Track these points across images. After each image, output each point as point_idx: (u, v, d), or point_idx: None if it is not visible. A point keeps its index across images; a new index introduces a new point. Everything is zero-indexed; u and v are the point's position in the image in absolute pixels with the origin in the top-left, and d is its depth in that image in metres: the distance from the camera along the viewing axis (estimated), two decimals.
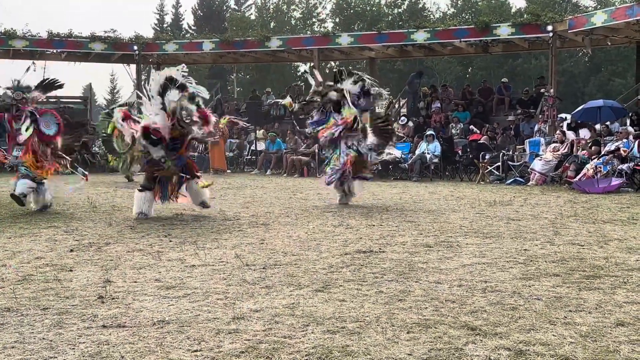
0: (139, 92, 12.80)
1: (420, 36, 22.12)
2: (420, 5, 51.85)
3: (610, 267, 5.84)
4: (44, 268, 5.86)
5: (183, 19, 58.40)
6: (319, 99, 11.10)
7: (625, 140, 14.79)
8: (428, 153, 17.64)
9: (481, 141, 18.43)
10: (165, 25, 56.85)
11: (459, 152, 18.50)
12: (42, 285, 5.17)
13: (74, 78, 44.08)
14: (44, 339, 3.87)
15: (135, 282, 5.29)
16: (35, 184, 10.11)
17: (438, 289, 5.02)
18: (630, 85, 30.27)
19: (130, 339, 3.86)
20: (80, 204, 11.15)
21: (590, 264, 5.98)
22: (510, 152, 17.31)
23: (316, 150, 19.28)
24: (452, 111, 21.91)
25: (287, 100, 12.73)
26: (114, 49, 25.25)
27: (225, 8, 57.98)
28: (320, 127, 11.08)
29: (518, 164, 16.65)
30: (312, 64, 10.98)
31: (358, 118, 10.71)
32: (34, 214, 9.90)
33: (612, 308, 4.48)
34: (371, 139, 10.88)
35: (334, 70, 11.54)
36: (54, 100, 29.28)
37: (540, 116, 19.52)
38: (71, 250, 6.74)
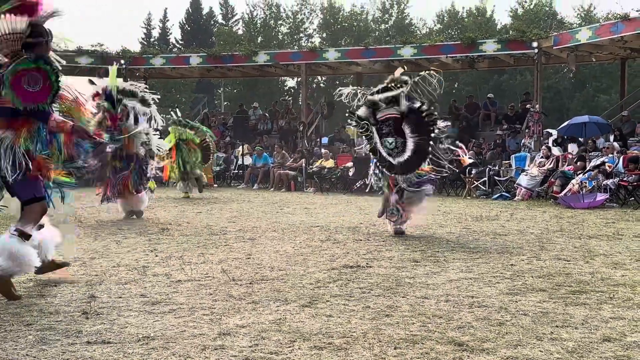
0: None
1: (407, 52, 22.26)
2: (407, 21, 52.28)
3: (596, 282, 5.86)
4: (28, 283, 5.79)
5: (170, 33, 58.46)
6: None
7: (610, 155, 14.92)
8: None
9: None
10: (152, 40, 56.83)
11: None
12: (25, 301, 5.11)
13: None
14: (27, 355, 3.81)
15: (120, 297, 5.24)
16: None
17: (425, 304, 5.01)
18: (614, 101, 30.59)
19: (115, 355, 3.81)
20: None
21: (577, 279, 6.00)
22: (497, 167, 17.40)
23: (303, 165, 19.32)
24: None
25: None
26: (101, 63, 25.17)
27: (212, 23, 58.11)
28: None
29: (504, 179, 16.73)
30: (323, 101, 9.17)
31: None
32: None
33: (598, 323, 4.49)
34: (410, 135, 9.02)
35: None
36: None
37: (526, 131, 19.67)
38: None
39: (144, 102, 11.39)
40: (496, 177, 16.76)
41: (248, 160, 21.54)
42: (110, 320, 4.55)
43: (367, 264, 6.79)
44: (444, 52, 22.11)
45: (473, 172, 17.09)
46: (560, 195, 14.12)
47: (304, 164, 19.45)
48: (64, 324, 4.45)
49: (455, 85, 47.52)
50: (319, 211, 12.61)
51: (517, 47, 20.90)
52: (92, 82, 11.21)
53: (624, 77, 23.32)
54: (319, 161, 20.28)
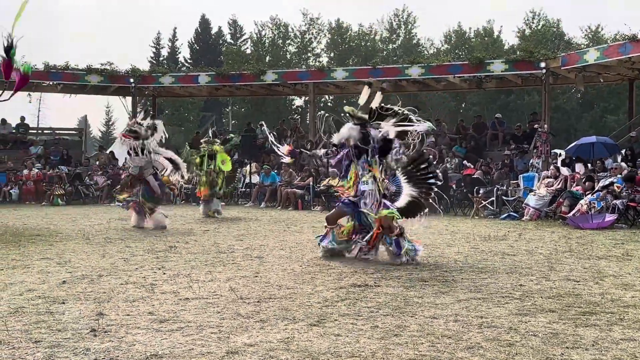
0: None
1: (415, 71, 22.37)
2: (415, 41, 52.48)
3: (606, 303, 5.82)
4: (36, 300, 5.79)
5: (179, 52, 58.90)
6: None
7: (619, 176, 14.86)
8: None
9: (475, 176, 18.50)
10: (161, 59, 57.28)
11: (453, 186, 18.53)
12: (34, 318, 5.11)
13: (69, 110, 44.26)
14: None
15: (129, 315, 5.24)
16: None
17: (434, 324, 4.98)
18: (622, 122, 30.57)
19: None
20: (73, 236, 11.08)
21: (586, 300, 5.96)
22: (504, 187, 17.37)
23: (310, 184, 19.31)
24: (447, 145, 22.04)
25: (285, 149, 10.36)
26: (110, 81, 25.36)
27: (221, 42, 58.50)
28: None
29: (512, 199, 16.69)
30: (322, 113, 8.74)
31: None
32: (27, 245, 9.82)
33: (608, 345, 4.45)
34: (408, 191, 8.72)
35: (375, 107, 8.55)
36: (49, 131, 29.40)
37: (534, 151, 19.64)
38: (63, 282, 6.68)
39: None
40: (504, 197, 16.71)
41: (256, 179, 21.57)
42: (118, 337, 4.55)
43: (375, 283, 6.76)
44: (451, 72, 22.21)
45: (481, 192, 17.05)
46: (568, 215, 14.06)
47: (311, 183, 19.45)
48: (72, 342, 4.44)
49: (463, 105, 47.59)
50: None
51: (524, 68, 20.96)
52: None
53: (632, 98, 23.31)
54: (327, 180, 20.28)
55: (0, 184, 22.62)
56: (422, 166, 8.75)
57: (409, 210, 8.67)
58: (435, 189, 8.74)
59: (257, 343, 4.43)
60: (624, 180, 14.21)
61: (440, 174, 9.04)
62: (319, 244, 8.89)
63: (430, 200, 8.74)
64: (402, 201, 8.67)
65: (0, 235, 10.57)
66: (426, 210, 8.74)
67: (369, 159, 8.58)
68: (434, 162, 8.99)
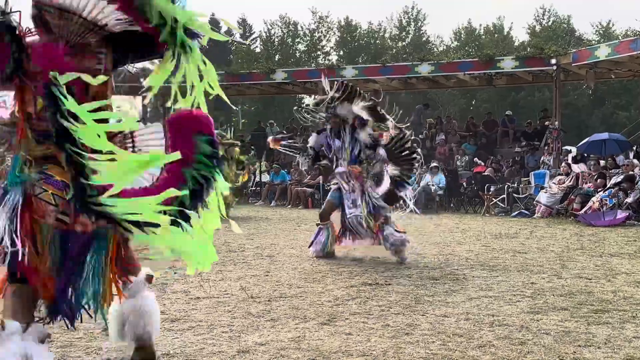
0: None
1: (425, 69, 22.30)
2: (424, 39, 52.33)
3: (618, 301, 5.79)
4: None
5: None
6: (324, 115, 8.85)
7: (631, 172, 14.77)
8: (432, 185, 17.62)
9: (485, 173, 18.44)
10: None
11: (464, 184, 18.49)
12: None
13: None
14: None
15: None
16: None
17: (445, 323, 4.97)
18: (634, 118, 30.37)
19: None
20: None
21: (599, 297, 5.92)
22: (515, 185, 17.30)
23: (320, 182, 19.31)
24: (458, 143, 21.98)
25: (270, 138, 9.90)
26: (122, 81, 25.40)
27: (230, 41, 58.59)
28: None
29: (523, 196, 16.62)
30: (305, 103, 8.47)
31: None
32: None
33: (621, 343, 4.42)
34: (390, 172, 8.71)
35: (346, 83, 8.84)
36: None
37: (545, 148, 19.55)
38: None
39: None
40: (515, 195, 16.65)
41: (265, 177, 21.59)
42: None
43: (385, 281, 6.75)
44: (461, 70, 22.11)
45: (492, 189, 17.00)
46: (580, 212, 13.99)
47: (321, 181, 19.44)
48: (85, 341, 4.46)
49: (473, 103, 47.42)
50: (336, 228, 12.56)
51: (535, 64, 20.85)
52: None
53: None
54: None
55: None
56: (402, 144, 8.81)
57: (393, 194, 8.72)
58: (417, 165, 8.91)
59: (268, 342, 4.43)
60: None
61: (419, 150, 9.04)
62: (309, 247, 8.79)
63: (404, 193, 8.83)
64: (385, 183, 8.65)
65: None
66: (408, 190, 8.83)
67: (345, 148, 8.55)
68: (413, 142, 8.99)
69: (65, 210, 3.25)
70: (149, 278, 3.77)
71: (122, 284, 3.55)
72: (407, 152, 8.83)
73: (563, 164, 17.22)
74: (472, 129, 23.13)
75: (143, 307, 3.70)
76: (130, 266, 3.59)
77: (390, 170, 8.73)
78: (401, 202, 8.88)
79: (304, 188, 19.60)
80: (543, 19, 49.54)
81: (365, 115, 8.50)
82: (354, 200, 8.45)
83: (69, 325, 3.45)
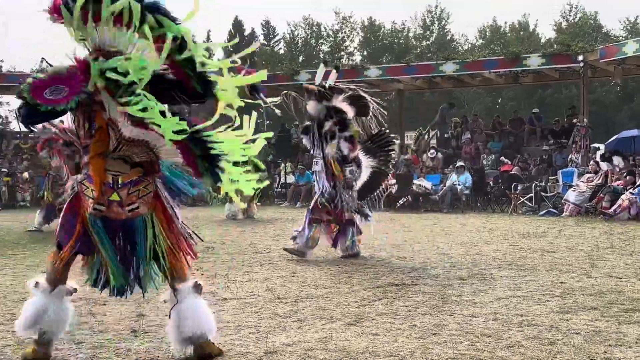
0: None
1: (449, 67, 22.16)
2: (449, 37, 52.06)
3: None
4: (78, 302, 5.86)
5: (213, 55, 59.22)
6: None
7: None
8: (459, 184, 17.52)
9: (512, 172, 18.28)
10: None
11: (491, 183, 18.35)
12: (75, 319, 5.19)
13: None
14: None
15: (168, 315, 5.28)
16: None
17: (473, 323, 4.93)
18: None
19: None
20: None
21: (629, 297, 5.84)
22: (543, 183, 17.13)
23: None
24: (484, 141, 21.83)
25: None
26: None
27: (254, 42, 58.71)
28: None
29: (551, 194, 16.44)
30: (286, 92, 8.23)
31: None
32: None
33: None
34: (367, 163, 8.89)
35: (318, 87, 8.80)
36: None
37: (573, 146, 19.32)
38: None
39: None
40: (543, 193, 16.49)
41: (291, 178, 21.62)
42: (158, 338, 4.60)
43: (412, 281, 6.72)
44: (486, 68, 21.94)
45: (519, 188, 16.85)
46: (609, 211, 13.80)
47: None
48: (114, 342, 4.51)
49: (499, 101, 47.06)
50: (361, 229, 12.54)
51: (562, 61, 20.61)
52: None
53: None
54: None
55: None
56: (381, 139, 9.06)
57: (371, 184, 8.96)
58: (393, 156, 9.38)
59: (295, 343, 4.43)
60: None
61: (395, 141, 9.34)
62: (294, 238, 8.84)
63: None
64: (364, 175, 8.87)
65: (40, 237, 10.76)
66: (388, 179, 9.24)
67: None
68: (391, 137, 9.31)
69: (100, 201, 3.92)
70: (198, 286, 4.25)
71: (173, 291, 4.18)
72: (385, 145, 9.12)
73: (591, 162, 17.00)
74: (498, 128, 22.95)
75: (191, 310, 4.15)
76: (179, 275, 4.21)
77: (368, 162, 8.96)
78: (374, 194, 9.12)
79: None
80: (569, 16, 49.05)
81: (347, 108, 8.61)
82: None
83: (119, 295, 4.21)
